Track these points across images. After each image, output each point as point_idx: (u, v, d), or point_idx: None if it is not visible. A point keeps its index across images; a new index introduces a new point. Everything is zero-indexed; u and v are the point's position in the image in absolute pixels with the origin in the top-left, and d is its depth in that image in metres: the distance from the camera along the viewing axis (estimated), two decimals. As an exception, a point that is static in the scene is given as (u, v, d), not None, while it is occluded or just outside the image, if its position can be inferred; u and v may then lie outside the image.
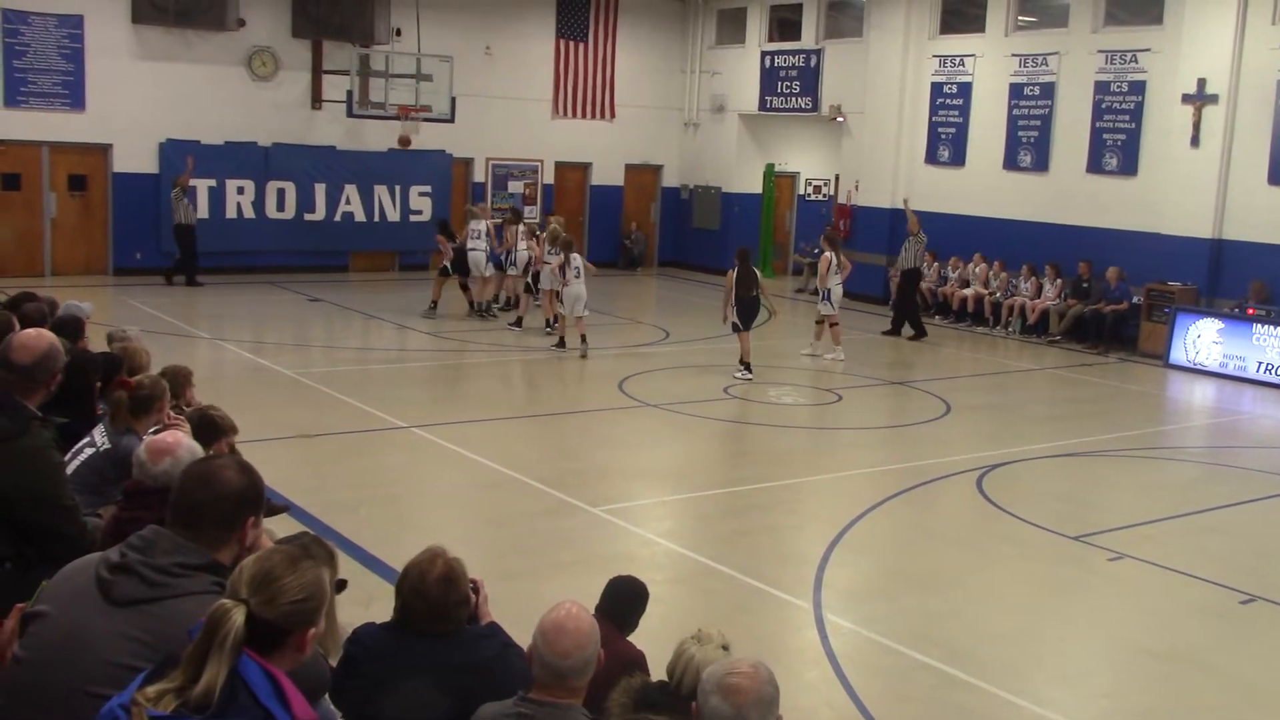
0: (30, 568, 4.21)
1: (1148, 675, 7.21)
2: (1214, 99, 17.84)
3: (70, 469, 5.26)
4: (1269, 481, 11.61)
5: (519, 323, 18.16)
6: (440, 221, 20.73)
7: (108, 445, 5.57)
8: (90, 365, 6.47)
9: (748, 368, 15.14)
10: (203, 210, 21.54)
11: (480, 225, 18.91)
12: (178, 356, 10.21)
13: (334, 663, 3.90)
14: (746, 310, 15.21)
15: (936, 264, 21.46)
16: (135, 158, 20.90)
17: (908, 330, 19.33)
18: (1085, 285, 19.17)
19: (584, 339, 16.30)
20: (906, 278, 19.54)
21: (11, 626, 3.24)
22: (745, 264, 15.34)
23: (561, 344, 16.49)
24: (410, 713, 3.81)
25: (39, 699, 2.94)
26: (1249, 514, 10.54)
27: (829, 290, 16.81)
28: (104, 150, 20.85)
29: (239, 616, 2.48)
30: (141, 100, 20.77)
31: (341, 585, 3.47)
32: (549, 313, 17.65)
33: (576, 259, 16.32)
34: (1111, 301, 18.77)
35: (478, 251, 18.78)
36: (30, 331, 4.92)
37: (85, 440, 5.71)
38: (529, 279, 18.46)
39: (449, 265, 19.20)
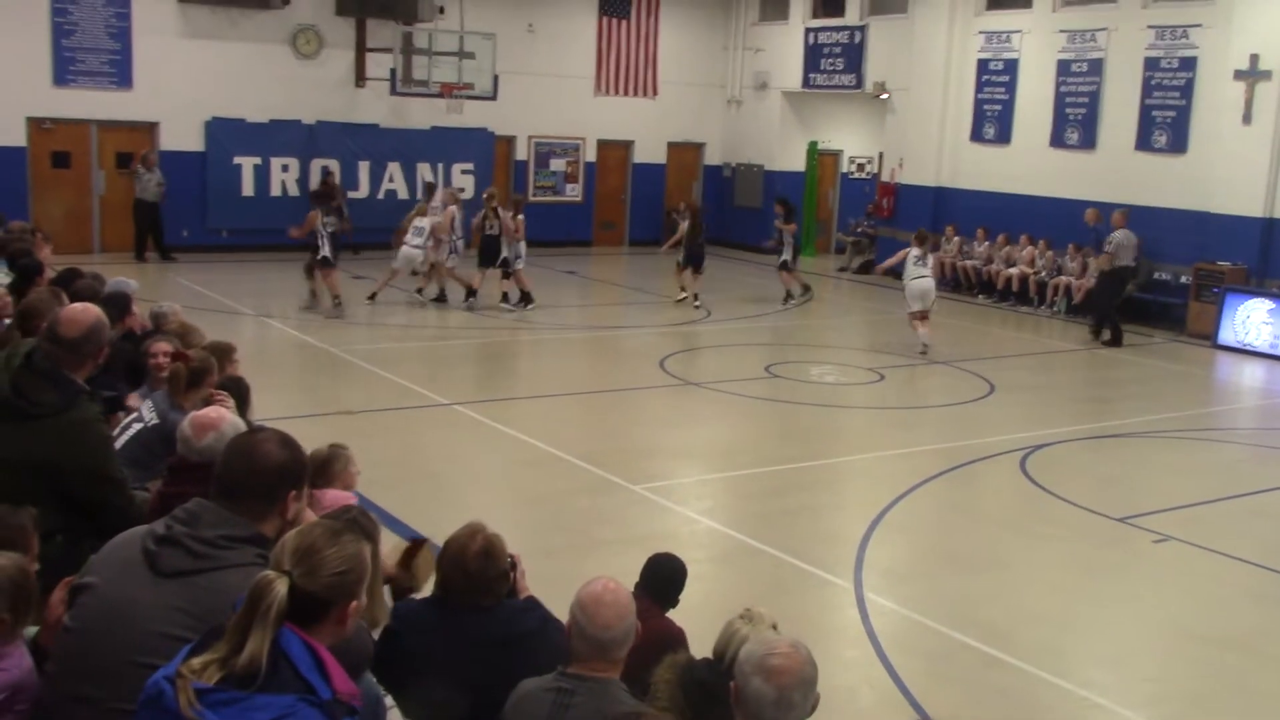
0: (80, 540, 4.27)
1: (1193, 658, 7.14)
2: (1267, 75, 17.51)
3: (119, 443, 5.33)
4: (1319, 464, 11.44)
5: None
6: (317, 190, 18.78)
7: (156, 420, 5.64)
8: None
9: (696, 297, 18.68)
10: (248, 188, 21.73)
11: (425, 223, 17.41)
12: (222, 333, 10.30)
13: (376, 636, 3.94)
14: (696, 254, 18.68)
15: (988, 244, 21.28)
16: (182, 135, 21.07)
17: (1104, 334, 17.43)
18: (1134, 265, 18.92)
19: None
20: (1114, 276, 17.47)
21: (60, 598, 3.29)
22: (696, 217, 19.01)
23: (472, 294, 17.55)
24: (452, 686, 3.84)
25: (87, 669, 2.99)
26: (1298, 497, 10.39)
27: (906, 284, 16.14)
28: (151, 128, 21.04)
29: (282, 588, 2.50)
30: (188, 78, 20.92)
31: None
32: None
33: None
34: (1095, 250, 18.58)
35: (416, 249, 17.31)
36: (77, 305, 4.98)
37: (134, 415, 5.79)
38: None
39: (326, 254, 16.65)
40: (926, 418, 12.65)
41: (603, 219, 26.19)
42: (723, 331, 17.00)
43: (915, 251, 16.11)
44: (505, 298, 17.65)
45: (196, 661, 2.45)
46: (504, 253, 17.40)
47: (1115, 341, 17.18)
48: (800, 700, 3.02)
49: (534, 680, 3.54)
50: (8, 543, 3.62)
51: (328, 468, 5.56)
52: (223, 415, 4.34)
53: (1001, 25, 21.56)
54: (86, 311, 4.78)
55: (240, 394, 5.93)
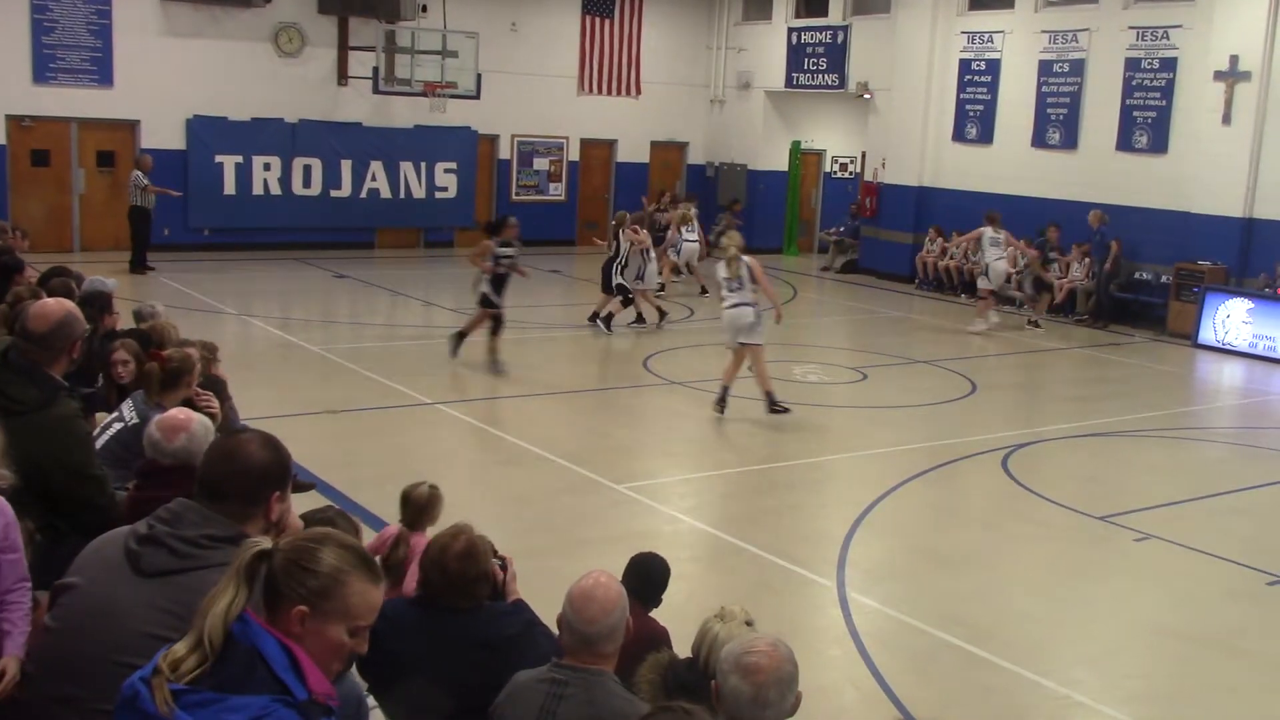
0: (61, 540, 4.25)
1: (1174, 656, 7.18)
2: (1246, 76, 17.61)
3: (99, 443, 5.30)
4: (1298, 463, 11.52)
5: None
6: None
7: (136, 420, 5.61)
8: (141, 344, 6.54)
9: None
10: (229, 187, 21.64)
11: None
12: (205, 332, 10.26)
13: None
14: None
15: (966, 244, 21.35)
16: (163, 134, 20.96)
17: None
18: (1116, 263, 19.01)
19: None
20: None
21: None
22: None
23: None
24: (434, 686, 3.84)
25: (69, 669, 2.98)
26: (1276, 495, 10.46)
27: (988, 265, 18.25)
28: (132, 126, 20.93)
29: (259, 546, 2.50)
30: (169, 76, 20.81)
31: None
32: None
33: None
34: (1100, 250, 18.75)
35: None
36: (47, 300, 4.96)
37: (114, 415, 5.76)
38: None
39: None
40: (909, 417, 12.69)
41: (586, 218, 26.14)
42: (706, 331, 16.98)
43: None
44: (640, 318, 17.02)
45: (173, 653, 2.41)
46: (615, 278, 16.78)
47: None
48: (777, 698, 3.03)
49: (528, 672, 3.56)
50: None
51: (431, 509, 5.62)
52: (191, 416, 4.29)
53: (983, 25, 21.63)
54: (58, 305, 4.76)
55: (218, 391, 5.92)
